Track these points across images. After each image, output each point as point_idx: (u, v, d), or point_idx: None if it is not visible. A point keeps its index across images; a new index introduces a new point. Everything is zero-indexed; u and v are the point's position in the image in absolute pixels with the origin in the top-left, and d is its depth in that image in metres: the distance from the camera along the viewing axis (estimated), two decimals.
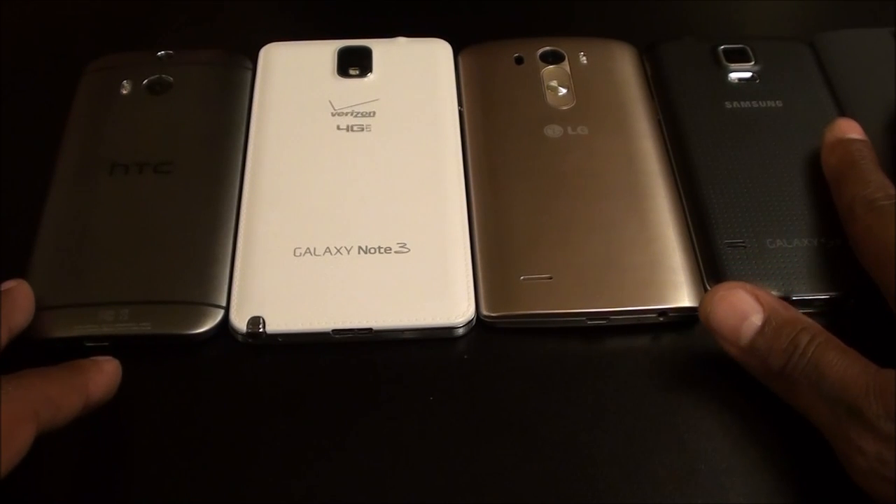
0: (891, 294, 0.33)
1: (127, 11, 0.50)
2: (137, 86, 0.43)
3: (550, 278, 0.37)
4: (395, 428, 0.34)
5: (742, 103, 0.43)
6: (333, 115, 0.42)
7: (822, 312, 0.37)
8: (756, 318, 0.32)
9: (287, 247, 0.38)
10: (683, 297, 0.37)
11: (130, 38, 0.48)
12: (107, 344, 0.35)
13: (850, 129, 0.38)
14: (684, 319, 0.37)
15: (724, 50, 0.45)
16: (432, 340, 0.37)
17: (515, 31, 0.47)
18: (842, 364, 0.30)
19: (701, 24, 0.50)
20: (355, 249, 0.38)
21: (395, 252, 0.38)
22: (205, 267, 0.37)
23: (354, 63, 0.44)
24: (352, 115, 0.42)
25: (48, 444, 0.33)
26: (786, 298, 0.37)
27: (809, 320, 0.32)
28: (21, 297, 0.34)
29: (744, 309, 0.33)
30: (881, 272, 0.33)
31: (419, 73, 0.44)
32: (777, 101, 0.43)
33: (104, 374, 0.32)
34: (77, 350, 0.36)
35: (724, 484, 0.33)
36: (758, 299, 0.33)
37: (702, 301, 0.34)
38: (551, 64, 0.45)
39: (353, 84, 0.44)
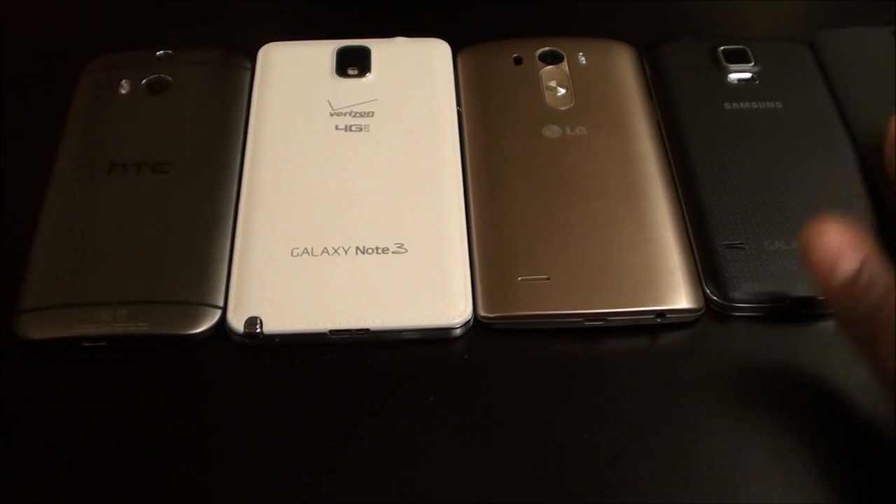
0: None
1: (126, 11, 0.50)
2: (136, 85, 0.43)
3: (548, 279, 0.37)
4: (392, 428, 0.34)
5: (741, 104, 0.43)
6: (332, 115, 0.42)
7: (820, 314, 0.37)
8: (849, 266, 0.31)
9: (284, 247, 0.38)
10: (681, 298, 0.37)
11: (129, 38, 0.48)
12: (104, 344, 0.36)
13: None
14: (682, 320, 0.37)
15: (724, 51, 0.45)
16: (430, 341, 0.36)
17: (514, 31, 0.47)
18: None
19: (700, 25, 0.50)
20: (353, 250, 0.38)
21: (393, 252, 0.38)
22: (202, 267, 0.37)
23: (353, 63, 0.44)
24: (350, 115, 0.42)
25: (45, 443, 0.33)
26: (784, 299, 0.37)
27: None
28: None
29: (841, 251, 0.32)
30: None
31: (418, 74, 0.44)
32: (776, 102, 0.43)
33: None
34: (74, 350, 0.36)
35: (724, 484, 0.33)
36: (856, 244, 0.32)
37: (805, 229, 0.33)
38: (550, 64, 0.45)
39: (351, 84, 0.44)
